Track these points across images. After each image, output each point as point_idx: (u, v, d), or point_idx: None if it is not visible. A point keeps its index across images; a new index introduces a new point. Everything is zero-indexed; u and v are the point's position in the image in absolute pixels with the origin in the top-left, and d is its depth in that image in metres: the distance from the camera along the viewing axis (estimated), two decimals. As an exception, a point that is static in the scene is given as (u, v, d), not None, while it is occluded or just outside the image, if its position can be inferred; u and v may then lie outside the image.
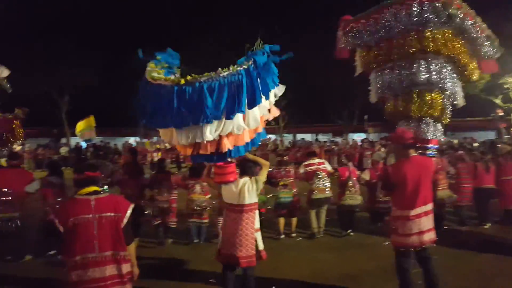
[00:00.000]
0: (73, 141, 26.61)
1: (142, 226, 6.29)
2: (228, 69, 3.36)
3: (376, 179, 6.63)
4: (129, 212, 2.91)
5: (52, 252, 5.63)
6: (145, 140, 29.33)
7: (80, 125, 19.33)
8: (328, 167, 7.03)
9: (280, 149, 17.64)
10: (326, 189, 6.66)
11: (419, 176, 3.94)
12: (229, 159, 3.91)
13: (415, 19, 4.73)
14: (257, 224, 4.05)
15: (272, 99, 3.79)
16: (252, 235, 3.94)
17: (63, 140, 29.35)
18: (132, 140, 31.27)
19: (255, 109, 3.49)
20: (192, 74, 3.37)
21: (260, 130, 3.93)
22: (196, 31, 28.99)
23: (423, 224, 3.91)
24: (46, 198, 5.55)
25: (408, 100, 5.12)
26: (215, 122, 3.37)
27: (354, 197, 6.70)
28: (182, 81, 3.33)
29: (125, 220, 2.87)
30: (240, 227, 3.92)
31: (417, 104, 5.05)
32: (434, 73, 4.94)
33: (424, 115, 5.10)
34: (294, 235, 6.78)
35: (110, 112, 29.02)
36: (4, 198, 5.32)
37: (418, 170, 3.97)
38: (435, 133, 5.21)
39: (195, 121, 3.31)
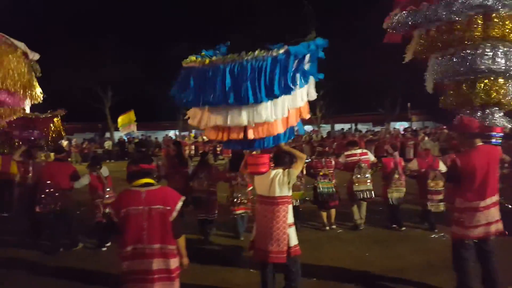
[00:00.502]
0: (117, 135, 27.71)
1: (185, 218, 6.31)
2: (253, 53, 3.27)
3: (425, 168, 6.27)
4: (178, 205, 2.86)
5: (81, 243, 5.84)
6: (186, 133, 30.02)
7: (121, 120, 20.02)
8: (371, 157, 6.73)
9: (315, 140, 17.25)
10: (368, 181, 6.39)
11: (488, 166, 3.78)
12: (257, 150, 3.80)
13: (481, 1, 4.39)
14: (290, 219, 3.85)
15: (305, 96, 3.61)
16: (284, 229, 3.75)
17: (107, 134, 30.65)
18: (172, 134, 32.13)
19: (281, 99, 3.33)
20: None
21: (294, 123, 3.68)
22: (233, 24, 28.95)
23: (492, 215, 3.78)
24: (94, 191, 5.77)
25: (472, 88, 4.83)
26: (246, 107, 3.29)
27: (400, 190, 6.38)
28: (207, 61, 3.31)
29: (174, 214, 2.83)
30: (272, 220, 3.78)
31: (482, 91, 4.76)
32: (500, 59, 4.59)
33: (488, 103, 4.81)
34: (334, 226, 6.59)
35: (151, 106, 29.92)
36: (48, 190, 5.55)
37: (486, 159, 3.79)
38: (499, 120, 4.91)
39: (230, 100, 3.22)
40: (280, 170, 3.88)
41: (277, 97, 3.21)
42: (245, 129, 3.41)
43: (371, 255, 5.38)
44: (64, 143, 24.12)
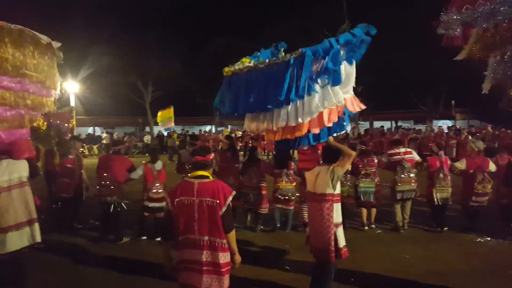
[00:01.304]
0: (156, 129, 28.54)
1: (236, 213, 6.35)
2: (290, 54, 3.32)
3: (474, 169, 5.96)
4: (229, 199, 2.83)
5: (144, 237, 5.96)
6: (223, 128, 30.42)
7: (161, 115, 20.64)
8: (415, 157, 6.47)
9: (351, 137, 16.75)
10: (412, 181, 6.17)
11: None
12: (305, 147, 3.79)
13: None
14: (337, 218, 3.73)
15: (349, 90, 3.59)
16: (329, 228, 3.66)
17: (147, 129, 31.65)
18: (208, 129, 32.68)
19: (316, 96, 3.32)
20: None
21: (335, 119, 3.61)
22: (272, 18, 28.89)
23: None
24: (145, 182, 5.90)
25: None
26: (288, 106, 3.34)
27: (446, 190, 6.11)
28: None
29: (224, 208, 2.80)
30: (317, 217, 3.73)
31: None
32: None
33: None
34: (373, 226, 6.43)
35: (188, 101, 30.55)
36: (103, 182, 5.78)
37: None
38: None
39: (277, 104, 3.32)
40: (325, 167, 3.78)
41: (302, 97, 3.23)
42: (291, 129, 3.45)
43: (411, 257, 5.20)
44: (104, 135, 25.33)
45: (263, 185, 6.29)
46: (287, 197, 6.11)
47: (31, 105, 3.85)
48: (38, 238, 3.99)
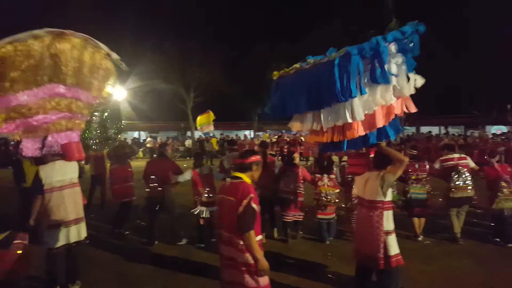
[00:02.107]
0: (197, 134, 29.17)
1: (276, 218, 6.28)
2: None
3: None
4: (245, 201, 2.83)
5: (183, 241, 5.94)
6: (261, 133, 30.50)
7: (200, 119, 21.05)
8: (470, 163, 6.03)
9: (393, 143, 15.95)
10: (468, 188, 5.73)
11: None
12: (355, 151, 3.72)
13: None
14: (387, 226, 3.58)
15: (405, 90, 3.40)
16: (378, 236, 3.52)
17: (188, 133, 32.44)
18: (247, 133, 32.89)
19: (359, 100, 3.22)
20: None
21: (386, 122, 3.49)
22: (314, 22, 28.69)
23: None
24: (195, 187, 5.83)
25: None
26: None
27: (509, 199, 5.59)
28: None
29: (240, 208, 2.83)
30: (365, 224, 3.63)
31: None
32: None
33: None
34: (420, 238, 6.00)
35: (228, 106, 30.95)
36: (152, 184, 5.84)
37: None
38: None
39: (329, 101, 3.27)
40: (375, 173, 3.64)
41: (349, 97, 3.12)
42: (341, 129, 3.40)
43: (464, 271, 4.79)
44: (148, 139, 26.22)
45: (301, 191, 6.09)
46: (328, 199, 5.85)
47: (79, 111, 4.04)
48: (84, 236, 4.23)
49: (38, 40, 3.54)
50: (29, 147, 3.85)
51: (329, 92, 3.14)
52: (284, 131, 28.15)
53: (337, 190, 5.97)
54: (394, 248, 3.56)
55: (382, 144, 3.67)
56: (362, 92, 3.13)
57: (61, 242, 4.01)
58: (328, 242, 5.93)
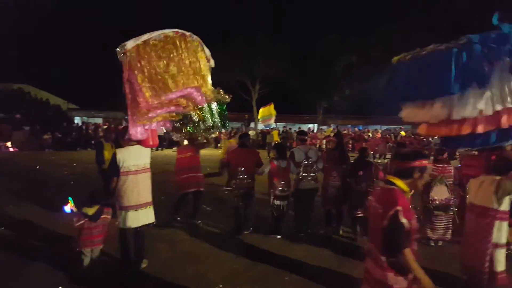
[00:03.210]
0: (260, 126, 29.52)
1: (343, 215, 6.04)
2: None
3: None
4: (391, 212, 2.36)
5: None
6: (325, 127, 29.96)
7: (261, 112, 21.24)
8: None
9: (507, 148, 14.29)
10: None
11: None
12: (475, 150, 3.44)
13: None
14: (498, 238, 3.22)
15: None
16: (485, 247, 3.19)
17: (252, 125, 32.94)
18: (311, 127, 32.48)
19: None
20: None
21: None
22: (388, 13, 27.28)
23: None
24: (271, 180, 5.76)
25: None
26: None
27: None
28: None
29: (384, 221, 2.38)
30: (474, 232, 3.31)
31: None
32: None
33: None
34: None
35: (293, 99, 30.81)
36: (241, 176, 5.72)
37: None
38: None
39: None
40: (490, 177, 3.30)
41: (468, 88, 2.90)
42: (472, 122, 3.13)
43: None
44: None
45: (372, 189, 5.74)
46: None
47: (188, 108, 4.27)
48: (153, 219, 4.39)
49: (169, 39, 3.85)
50: (138, 132, 4.06)
51: (448, 82, 2.93)
52: (350, 126, 27.34)
53: (412, 193, 5.59)
54: (501, 264, 3.23)
55: (507, 148, 3.39)
56: (484, 85, 2.87)
57: (132, 223, 4.16)
58: None
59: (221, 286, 4.08)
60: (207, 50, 4.39)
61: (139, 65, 3.71)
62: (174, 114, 4.26)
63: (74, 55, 36.53)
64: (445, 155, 5.74)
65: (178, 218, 6.25)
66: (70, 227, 4.48)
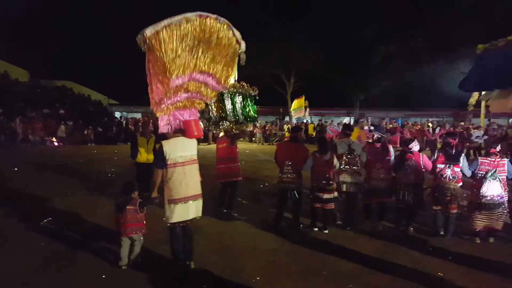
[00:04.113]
0: (294, 120, 29.25)
1: (385, 210, 5.80)
2: None
3: None
4: None
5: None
6: (361, 120, 29.14)
7: (294, 104, 21.05)
8: None
9: (511, 136, 12.90)
10: None
11: None
12: None
13: None
14: None
15: None
16: None
17: (286, 118, 32.70)
18: (346, 120, 31.68)
19: None
20: None
21: None
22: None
23: None
24: (313, 173, 5.61)
25: None
26: None
27: None
28: None
29: None
30: None
31: None
32: None
33: None
34: None
35: (328, 92, 30.22)
36: (287, 170, 5.55)
37: None
38: None
39: None
40: None
41: None
42: None
43: None
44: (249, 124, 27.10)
45: (421, 182, 5.51)
46: (448, 197, 5.22)
47: (205, 93, 4.22)
48: (200, 213, 4.24)
49: (190, 24, 3.72)
50: (163, 123, 4.07)
51: None
52: (387, 118, 26.43)
53: (460, 184, 5.28)
54: None
55: None
56: None
57: (181, 217, 4.03)
58: (442, 233, 5.34)
59: (258, 278, 4.02)
60: (237, 33, 4.18)
61: (158, 53, 3.62)
62: (195, 100, 4.19)
63: (114, 52, 37.84)
64: (498, 148, 5.35)
65: (225, 211, 6.37)
66: (112, 218, 4.58)
